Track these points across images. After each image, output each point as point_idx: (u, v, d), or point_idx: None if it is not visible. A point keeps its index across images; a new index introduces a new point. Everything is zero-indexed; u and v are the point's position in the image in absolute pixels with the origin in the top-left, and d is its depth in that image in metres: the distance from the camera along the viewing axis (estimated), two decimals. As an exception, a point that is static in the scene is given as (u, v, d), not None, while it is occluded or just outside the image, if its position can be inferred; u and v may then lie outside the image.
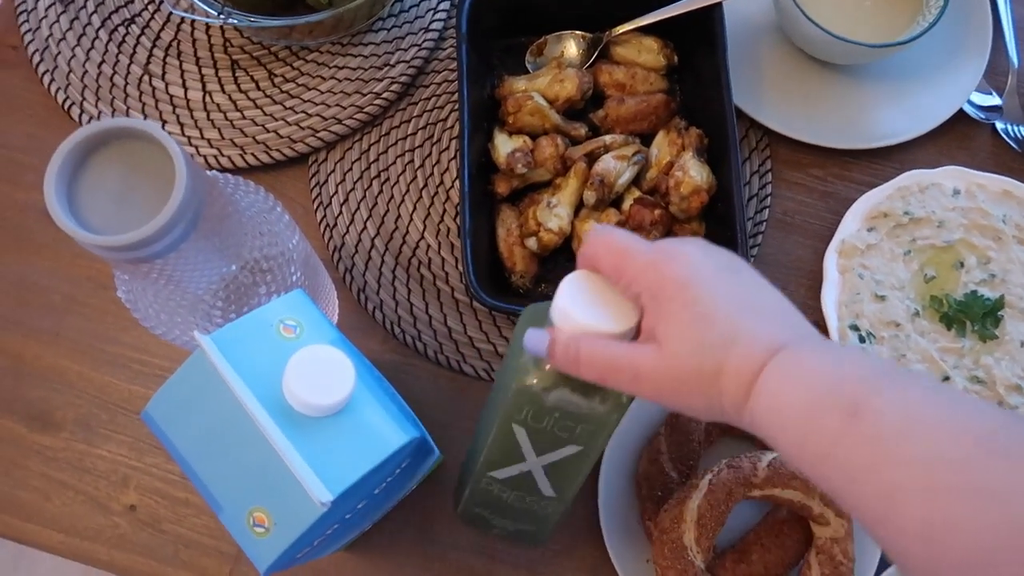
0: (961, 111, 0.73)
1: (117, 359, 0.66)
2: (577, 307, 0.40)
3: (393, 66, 0.72)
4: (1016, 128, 0.73)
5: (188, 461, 0.41)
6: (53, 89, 0.71)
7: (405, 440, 0.42)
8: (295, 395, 0.39)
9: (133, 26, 0.73)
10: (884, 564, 0.61)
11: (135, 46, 0.72)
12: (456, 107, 0.72)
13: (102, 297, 0.68)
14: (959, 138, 0.74)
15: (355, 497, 0.43)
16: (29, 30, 0.72)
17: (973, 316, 0.66)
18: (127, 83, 0.71)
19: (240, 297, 0.48)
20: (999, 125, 0.73)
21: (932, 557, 0.30)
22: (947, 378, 0.65)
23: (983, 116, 0.73)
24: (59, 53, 0.72)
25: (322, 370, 0.40)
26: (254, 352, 0.41)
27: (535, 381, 0.41)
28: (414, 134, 0.72)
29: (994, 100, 0.74)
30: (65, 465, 0.64)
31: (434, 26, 0.74)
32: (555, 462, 0.46)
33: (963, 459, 0.30)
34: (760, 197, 0.71)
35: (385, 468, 0.43)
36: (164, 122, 0.71)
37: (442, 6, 0.75)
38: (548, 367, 0.41)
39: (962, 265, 0.68)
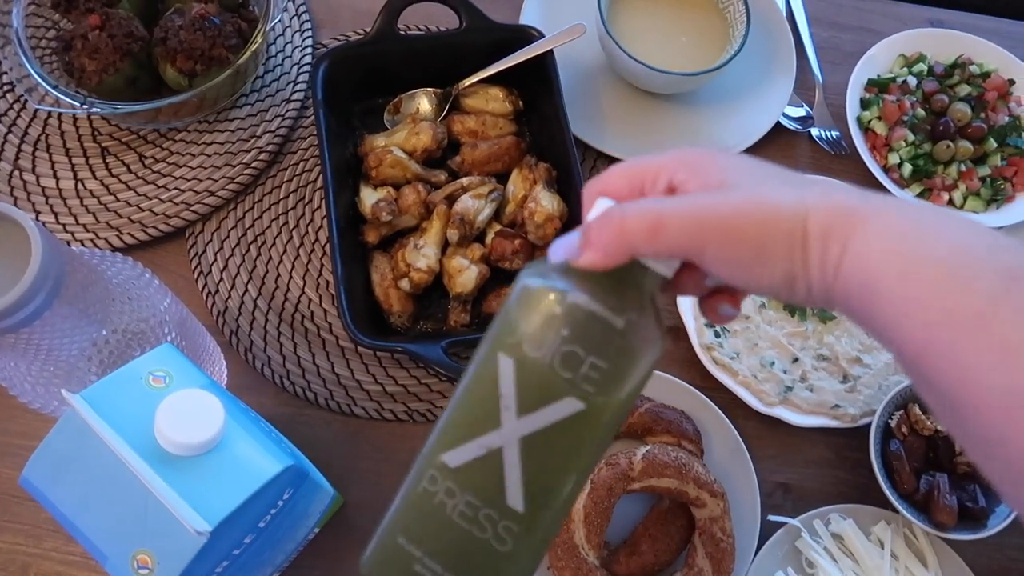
0: (779, 124, 0.82)
1: (5, 448, 0.66)
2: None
3: (260, 136, 0.76)
4: (828, 132, 0.82)
5: (69, 517, 0.43)
6: (-79, 193, 0.72)
7: (279, 468, 0.45)
8: (166, 437, 0.42)
9: (-1, 125, 0.75)
10: (765, 537, 0.66)
11: (3, 143, 0.75)
12: (321, 168, 0.77)
13: (-13, 390, 0.68)
14: (781, 147, 0.82)
15: (238, 530, 0.45)
16: None
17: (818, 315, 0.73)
18: (-3, 180, 0.73)
19: (115, 361, 0.51)
20: (813, 132, 0.82)
21: None
22: (796, 359, 0.71)
23: (798, 126, 0.82)
24: (-75, 158, 0.73)
25: (191, 411, 0.43)
26: (125, 404, 0.44)
27: (550, 283, 0.32)
28: (286, 197, 0.76)
29: (805, 111, 0.83)
30: (-42, 561, 0.63)
31: (296, 96, 0.79)
32: (539, 433, 0.32)
33: None
34: (614, 219, 0.78)
35: (263, 498, 0.45)
36: (38, 212, 0.73)
37: (301, 78, 0.80)
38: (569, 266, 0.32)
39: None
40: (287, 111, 0.78)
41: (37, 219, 0.73)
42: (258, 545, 0.51)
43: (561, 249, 0.32)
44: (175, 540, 0.41)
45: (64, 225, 0.72)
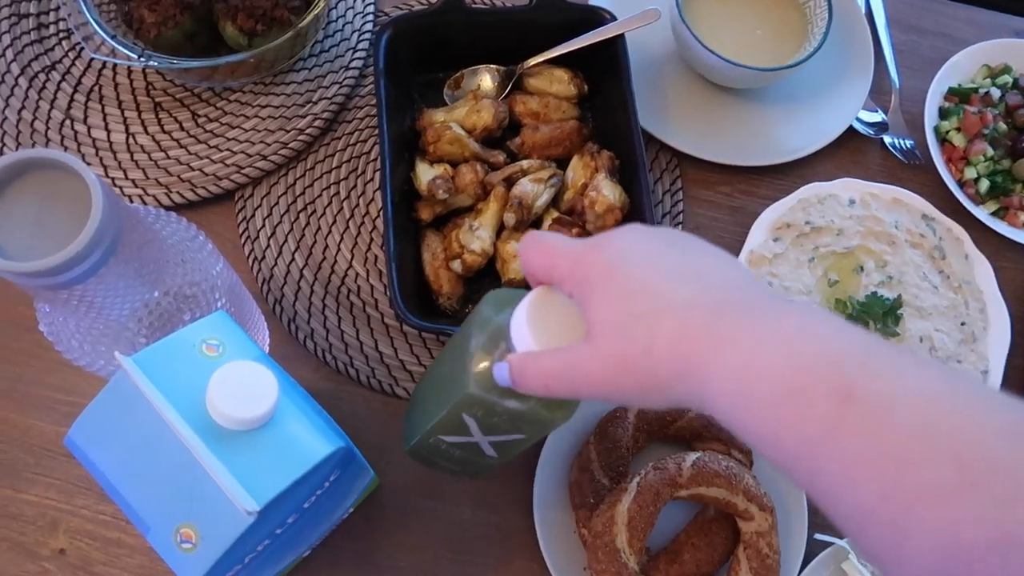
0: (852, 128, 0.78)
1: (43, 401, 0.65)
2: (531, 328, 0.39)
3: (315, 103, 0.74)
4: (902, 141, 0.79)
5: (113, 483, 0.41)
6: (-28, 136, 0.71)
7: (330, 450, 0.43)
8: (218, 410, 0.40)
9: (54, 72, 0.74)
10: (810, 556, 0.64)
11: (56, 92, 0.73)
12: (378, 140, 0.75)
13: (25, 340, 0.67)
14: (851, 152, 0.79)
15: (283, 510, 0.43)
16: (-54, 79, 0.73)
17: (875, 316, 0.71)
18: (48, 128, 0.72)
19: (164, 324, 0.49)
20: (887, 139, 0.79)
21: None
22: (854, 374, 0.69)
23: (871, 132, 0.79)
24: (-24, 101, 0.72)
25: (245, 385, 0.41)
26: (177, 371, 0.42)
27: (488, 393, 0.43)
28: (339, 167, 0.74)
29: (880, 117, 0.80)
30: (-11, 513, 0.62)
31: (355, 64, 0.77)
32: (499, 441, 0.50)
33: (991, 459, 0.25)
34: (673, 214, 0.75)
35: (312, 479, 0.44)
36: (88, 164, 0.71)
37: (361, 45, 0.78)
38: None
39: (862, 269, 0.73)
40: (345, 78, 0.76)
41: (86, 171, 0.71)
42: (299, 525, 0.49)
43: (500, 377, 0.41)
44: (221, 517, 0.40)
45: (113, 179, 0.71)
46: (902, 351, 0.30)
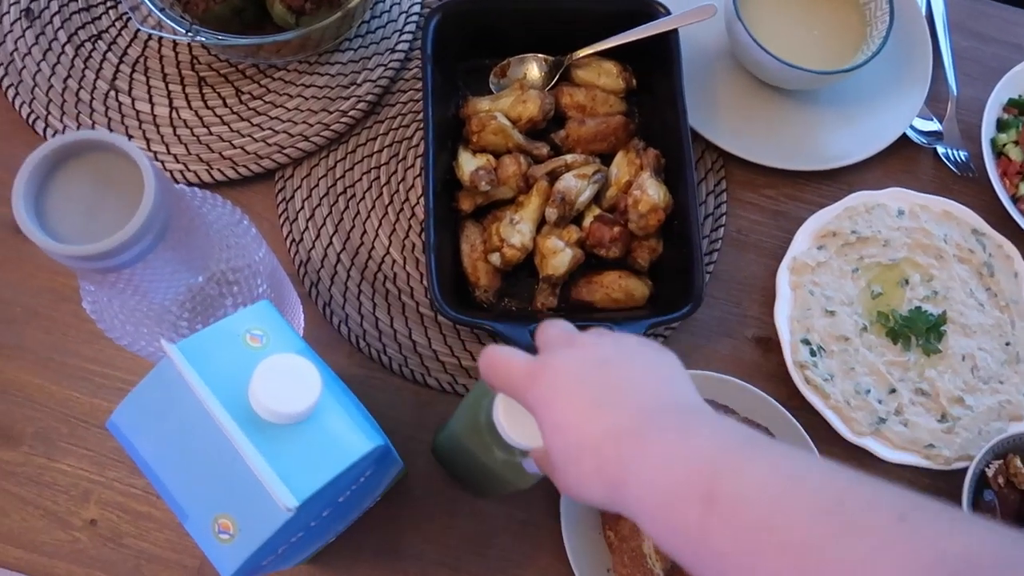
0: (904, 136, 0.76)
1: (79, 372, 0.66)
2: (508, 426, 0.45)
3: (359, 85, 0.73)
4: (956, 152, 0.77)
5: (154, 469, 0.41)
6: (17, 103, 0.71)
7: (370, 447, 0.43)
8: (261, 403, 0.40)
9: (100, 42, 0.73)
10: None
11: (101, 61, 0.73)
12: (421, 126, 0.74)
13: (64, 310, 0.67)
14: (903, 161, 0.77)
15: (320, 504, 0.43)
16: (-6, 44, 0.73)
17: (918, 331, 0.69)
18: (93, 98, 0.72)
19: (206, 308, 0.49)
20: (940, 149, 0.77)
21: None
22: (893, 390, 0.67)
23: (925, 141, 0.77)
24: (24, 67, 0.72)
25: (288, 378, 0.41)
26: (220, 361, 0.42)
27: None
28: (380, 151, 0.73)
29: (935, 126, 0.78)
30: (24, 480, 0.63)
31: (400, 47, 0.75)
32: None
33: (806, 541, 0.30)
34: (715, 216, 0.74)
35: (350, 475, 0.43)
36: (130, 137, 0.71)
37: (408, 28, 0.76)
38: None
39: (907, 282, 0.71)
40: (390, 61, 0.75)
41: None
42: (332, 516, 0.49)
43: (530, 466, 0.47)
44: (260, 510, 0.40)
45: (155, 153, 0.71)
46: (755, 442, 0.35)
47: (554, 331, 0.43)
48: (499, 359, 0.42)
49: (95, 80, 0.72)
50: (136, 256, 0.41)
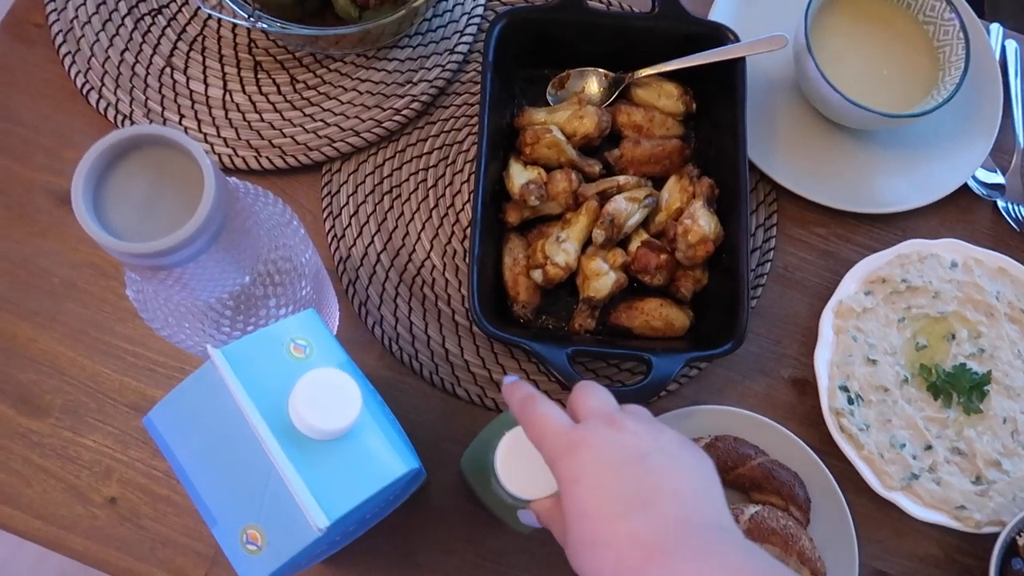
0: (965, 186, 0.74)
1: (111, 349, 0.66)
2: (507, 475, 0.48)
3: (415, 84, 0.73)
4: (1017, 208, 0.75)
5: (187, 472, 0.41)
6: (73, 72, 0.71)
7: (405, 470, 0.42)
8: (301, 417, 0.40)
9: (160, 17, 0.73)
10: (852, 624, 0.62)
11: (160, 37, 0.72)
12: (474, 131, 0.73)
13: (102, 285, 0.67)
14: (961, 212, 0.75)
15: (349, 521, 0.43)
16: (55, 10, 0.72)
17: (960, 388, 0.67)
18: (148, 74, 0.71)
19: (249, 308, 0.49)
20: (1000, 203, 0.75)
21: None
22: (929, 447, 0.66)
23: (986, 193, 0.75)
24: (82, 36, 0.72)
25: (329, 394, 0.41)
26: (263, 369, 0.42)
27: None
28: (429, 153, 0.72)
29: (998, 178, 0.76)
30: (49, 451, 0.63)
31: (459, 48, 0.74)
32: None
33: None
34: (763, 250, 0.72)
35: (382, 495, 0.43)
36: (182, 116, 0.71)
37: (469, 29, 0.75)
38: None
39: (953, 337, 0.69)
40: (448, 62, 0.74)
41: (180, 123, 0.71)
42: (355, 530, 0.49)
43: (526, 518, 0.48)
44: (290, 525, 0.39)
45: (205, 135, 0.70)
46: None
47: (595, 402, 0.43)
48: (539, 417, 0.42)
49: (152, 56, 0.72)
50: (190, 256, 0.40)
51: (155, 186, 0.41)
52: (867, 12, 0.74)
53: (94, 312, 0.67)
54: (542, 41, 0.70)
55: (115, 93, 0.70)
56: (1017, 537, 0.63)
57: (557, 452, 0.41)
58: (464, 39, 0.75)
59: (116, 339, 0.66)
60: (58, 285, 0.67)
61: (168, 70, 0.72)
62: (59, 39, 0.71)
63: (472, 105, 0.74)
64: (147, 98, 0.71)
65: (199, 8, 0.69)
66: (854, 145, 0.75)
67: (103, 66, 0.71)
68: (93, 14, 0.72)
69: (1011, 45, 0.81)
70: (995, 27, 0.82)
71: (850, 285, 0.70)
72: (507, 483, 0.47)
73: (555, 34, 0.70)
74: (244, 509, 0.40)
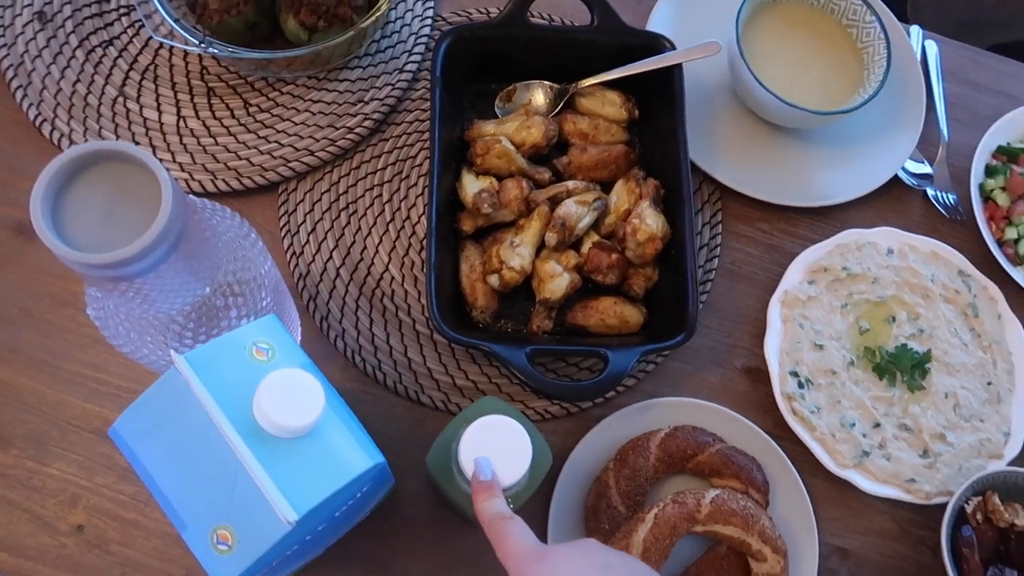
0: (896, 177, 0.78)
1: (73, 376, 0.66)
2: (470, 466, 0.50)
3: (367, 103, 0.75)
4: (945, 195, 0.79)
5: (154, 478, 0.42)
6: (25, 105, 0.71)
7: (370, 464, 0.43)
8: (266, 416, 0.41)
9: (111, 48, 0.74)
10: (816, 601, 0.64)
11: (111, 68, 0.73)
12: (426, 145, 0.75)
13: (61, 314, 0.67)
14: (893, 201, 0.79)
15: (317, 518, 0.44)
16: (4, 45, 0.73)
17: (903, 368, 0.71)
18: (101, 103, 0.72)
19: (211, 319, 0.50)
20: (930, 192, 0.79)
21: None
22: (878, 425, 0.69)
23: (915, 182, 0.79)
24: (33, 70, 0.72)
25: (292, 393, 0.42)
26: (227, 372, 0.43)
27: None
28: (384, 169, 0.74)
29: (926, 168, 0.80)
30: (13, 482, 0.63)
31: (408, 67, 0.77)
32: None
33: None
34: (710, 247, 0.75)
35: (348, 491, 0.44)
36: (136, 143, 0.72)
37: (417, 48, 0.78)
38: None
39: (894, 320, 0.73)
40: (398, 80, 0.76)
41: (134, 150, 0.71)
42: (326, 531, 0.50)
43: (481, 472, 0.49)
44: (260, 522, 0.40)
45: (161, 160, 0.71)
46: None
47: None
48: (508, 532, 0.45)
49: (104, 86, 0.73)
50: (149, 266, 0.41)
51: (113, 200, 0.42)
52: (795, 18, 0.79)
53: (54, 340, 0.67)
54: (488, 56, 0.73)
55: (68, 124, 0.71)
56: (965, 505, 0.66)
57: (521, 567, 0.43)
58: (412, 58, 0.77)
59: (77, 366, 0.66)
60: (16, 315, 0.67)
61: (121, 99, 0.73)
62: (10, 73, 0.72)
63: (423, 120, 0.76)
64: (100, 127, 0.72)
65: (151, 37, 0.71)
66: (791, 143, 0.79)
67: (55, 98, 0.72)
68: (44, 48, 0.73)
69: (931, 45, 0.86)
70: (915, 29, 0.87)
71: (794, 275, 0.73)
72: (469, 471, 0.49)
73: (500, 49, 0.73)
74: (213, 510, 0.41)
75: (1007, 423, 0.71)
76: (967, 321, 0.74)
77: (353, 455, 0.43)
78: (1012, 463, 0.69)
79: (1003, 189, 0.77)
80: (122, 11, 0.75)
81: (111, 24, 0.75)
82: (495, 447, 0.50)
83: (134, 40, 0.75)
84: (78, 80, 0.73)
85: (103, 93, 0.73)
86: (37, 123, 0.71)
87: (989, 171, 0.78)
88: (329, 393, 0.44)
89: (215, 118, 0.73)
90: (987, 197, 0.78)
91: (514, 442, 0.50)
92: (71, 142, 0.71)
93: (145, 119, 0.72)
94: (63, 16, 0.74)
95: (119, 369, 0.66)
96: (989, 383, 0.72)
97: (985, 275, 0.75)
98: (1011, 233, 0.76)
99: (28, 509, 0.62)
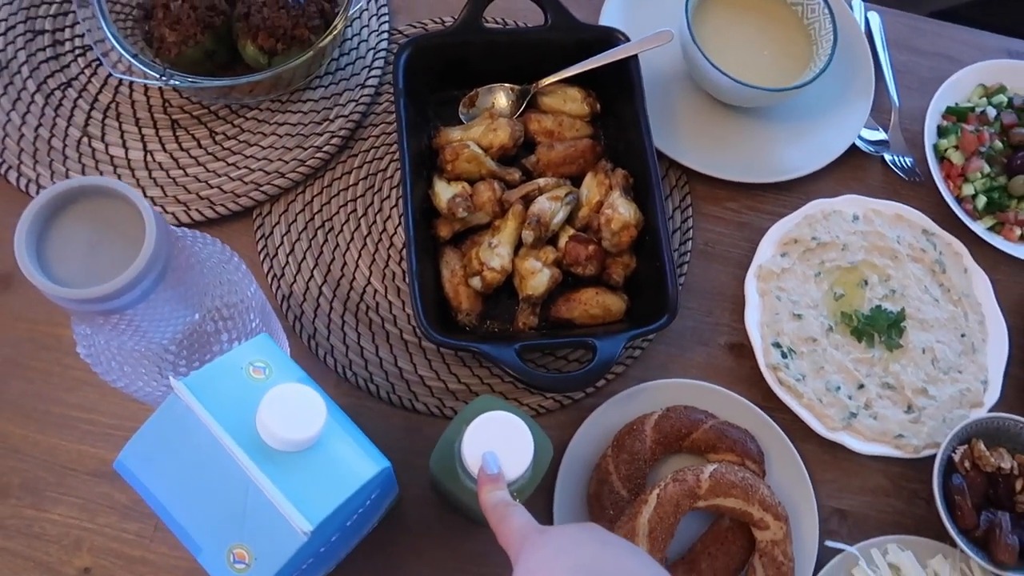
0: (854, 146, 0.81)
1: (63, 420, 0.66)
2: (478, 458, 0.50)
3: (332, 121, 0.75)
4: (902, 158, 0.82)
5: (165, 505, 0.42)
6: (-12, 154, 0.71)
7: (377, 470, 0.44)
8: (269, 431, 0.41)
9: (70, 89, 0.74)
10: (821, 563, 0.65)
11: (72, 109, 0.73)
12: (395, 157, 0.76)
13: (44, 359, 0.67)
14: (854, 169, 0.81)
15: (331, 528, 0.44)
16: (-39, 96, 0.72)
17: (879, 328, 0.73)
18: (66, 145, 0.72)
19: (203, 346, 0.50)
20: (887, 157, 0.82)
21: None
22: (861, 386, 0.71)
23: (873, 149, 0.82)
24: (-7, 118, 0.72)
25: (293, 406, 0.42)
26: (226, 394, 0.43)
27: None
28: (355, 184, 0.75)
29: (881, 135, 0.82)
30: (13, 532, 0.62)
31: (370, 82, 0.77)
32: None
33: None
34: (683, 230, 0.77)
35: (358, 498, 0.44)
36: (105, 182, 0.71)
37: (376, 62, 0.78)
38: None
39: (866, 283, 0.75)
40: (361, 96, 0.77)
41: (104, 188, 0.71)
42: (339, 542, 0.50)
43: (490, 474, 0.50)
44: (274, 537, 0.41)
45: (131, 197, 0.71)
46: None
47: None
48: (509, 514, 0.46)
49: (67, 127, 0.73)
50: (139, 296, 0.42)
51: (96, 235, 0.42)
52: (742, 1, 0.81)
53: (40, 386, 0.66)
54: (447, 64, 0.74)
55: (35, 168, 0.71)
56: (952, 455, 0.68)
57: (518, 543, 0.43)
58: (373, 72, 0.78)
59: (67, 409, 0.66)
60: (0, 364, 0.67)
61: (86, 139, 0.73)
62: (-31, 124, 0.72)
63: (390, 133, 0.77)
64: (68, 169, 0.71)
65: (110, 75, 0.70)
66: (750, 123, 0.81)
67: (19, 144, 0.71)
68: (1, 95, 0.73)
69: (874, 16, 0.89)
70: (857, 2, 0.89)
71: (767, 250, 0.75)
72: (473, 468, 0.49)
73: (459, 56, 0.74)
74: (227, 530, 0.41)
75: (984, 371, 0.73)
76: (935, 277, 0.76)
77: (359, 462, 0.44)
78: (992, 409, 0.71)
79: (956, 148, 0.80)
80: (77, 52, 0.75)
81: (67, 66, 0.75)
82: (498, 443, 0.50)
83: (92, 80, 0.75)
84: (40, 124, 0.72)
85: (67, 135, 0.72)
86: (3, 171, 0.71)
87: (941, 132, 0.81)
88: (329, 405, 0.45)
89: (182, 149, 0.73)
90: (942, 157, 0.80)
91: (516, 437, 0.51)
92: (39, 187, 0.71)
93: (112, 156, 0.72)
94: (18, 62, 0.74)
95: (109, 408, 0.66)
96: (963, 335, 0.74)
97: (948, 232, 0.77)
98: (968, 189, 0.78)
99: (30, 557, 0.62)
